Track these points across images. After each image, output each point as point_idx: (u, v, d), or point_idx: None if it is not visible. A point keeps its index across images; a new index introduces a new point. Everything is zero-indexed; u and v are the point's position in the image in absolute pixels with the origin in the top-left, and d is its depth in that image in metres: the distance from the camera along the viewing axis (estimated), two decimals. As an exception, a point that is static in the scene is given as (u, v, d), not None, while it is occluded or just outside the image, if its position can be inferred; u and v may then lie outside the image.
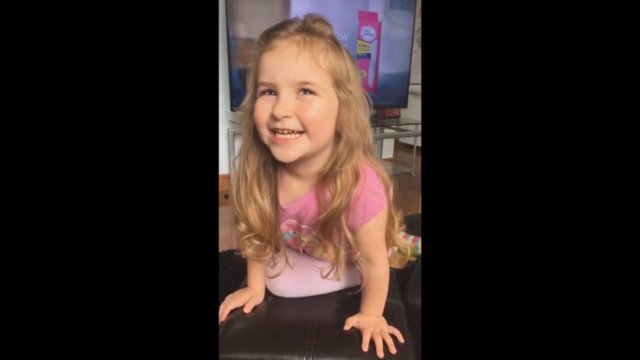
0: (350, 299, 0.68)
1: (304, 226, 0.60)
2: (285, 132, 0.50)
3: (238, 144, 2.08)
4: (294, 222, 0.61)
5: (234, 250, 1.38)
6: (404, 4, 2.05)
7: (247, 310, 0.64)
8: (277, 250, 0.63)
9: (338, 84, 0.51)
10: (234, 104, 1.82)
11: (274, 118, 0.49)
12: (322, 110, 0.49)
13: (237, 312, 0.65)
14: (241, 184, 0.57)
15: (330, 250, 0.59)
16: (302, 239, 0.63)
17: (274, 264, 0.64)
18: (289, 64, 0.48)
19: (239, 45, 1.75)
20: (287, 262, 0.63)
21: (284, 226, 0.62)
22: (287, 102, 0.48)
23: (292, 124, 0.49)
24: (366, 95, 0.56)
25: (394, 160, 2.88)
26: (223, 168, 2.11)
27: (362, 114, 0.54)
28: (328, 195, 0.54)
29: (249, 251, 0.60)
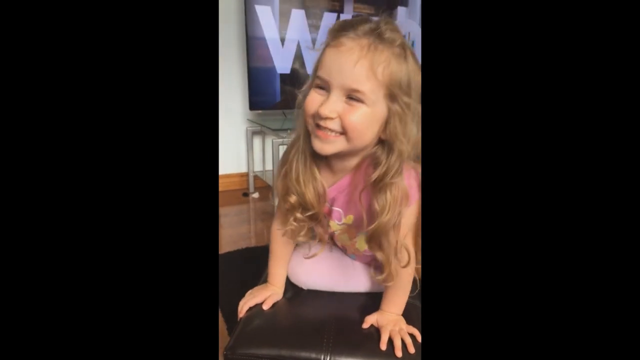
0: (370, 297, 0.67)
1: (335, 208, 0.62)
2: (327, 129, 0.52)
3: (257, 142, 2.10)
4: (327, 205, 0.63)
5: (252, 248, 1.40)
6: None
7: (266, 307, 0.65)
8: (312, 236, 0.65)
9: (392, 96, 0.51)
10: (253, 104, 1.84)
11: (318, 115, 0.51)
12: (364, 118, 0.51)
13: (256, 308, 0.65)
14: (300, 163, 0.59)
15: (358, 245, 0.62)
16: (330, 223, 0.64)
17: (309, 247, 0.67)
18: (347, 67, 0.49)
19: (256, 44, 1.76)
20: (324, 243, 0.65)
21: (326, 207, 0.63)
22: (334, 104, 0.50)
23: (334, 125, 0.51)
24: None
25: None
26: (242, 166, 2.14)
27: (415, 126, 0.53)
28: (376, 206, 0.54)
29: (293, 223, 0.61)
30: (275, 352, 0.56)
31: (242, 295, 0.68)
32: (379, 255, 0.57)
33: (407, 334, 0.58)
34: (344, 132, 0.51)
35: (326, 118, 0.50)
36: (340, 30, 0.51)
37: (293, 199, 0.60)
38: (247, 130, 2.04)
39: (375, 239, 0.56)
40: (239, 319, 0.64)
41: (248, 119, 2.05)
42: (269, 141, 2.09)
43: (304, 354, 0.56)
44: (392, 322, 0.59)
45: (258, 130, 2.03)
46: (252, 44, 1.75)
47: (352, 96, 0.50)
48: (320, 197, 0.60)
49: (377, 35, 0.50)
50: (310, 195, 0.59)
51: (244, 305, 0.65)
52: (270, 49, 1.80)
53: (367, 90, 0.49)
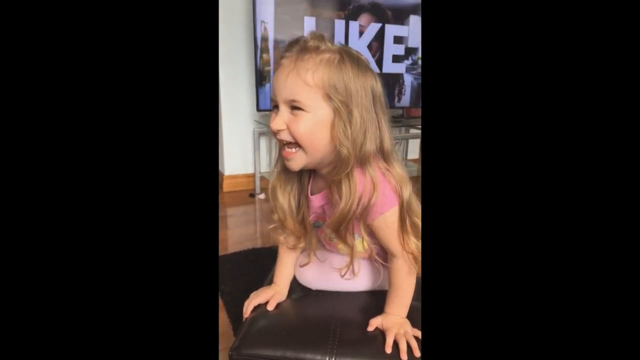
0: (374, 299, 0.67)
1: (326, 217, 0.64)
2: (285, 144, 0.56)
3: (264, 143, 2.11)
4: (321, 213, 0.65)
5: (258, 249, 1.40)
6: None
7: (270, 307, 0.65)
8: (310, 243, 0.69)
9: (329, 97, 0.53)
10: (260, 105, 1.84)
11: (273, 131, 0.56)
12: (308, 125, 0.54)
13: (261, 309, 0.66)
14: (273, 182, 0.66)
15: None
16: (326, 231, 0.66)
17: (307, 254, 0.70)
18: (282, 82, 0.54)
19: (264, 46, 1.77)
20: (314, 252, 0.68)
21: (313, 217, 0.66)
22: (281, 117, 0.55)
23: (286, 135, 0.55)
24: (382, 103, 0.57)
25: (420, 162, 2.84)
26: (248, 167, 2.14)
27: (354, 126, 0.53)
28: (337, 198, 0.58)
29: (280, 238, 0.68)
30: (280, 353, 0.56)
31: (248, 296, 0.69)
32: (342, 247, 0.62)
33: (413, 337, 0.58)
34: (298, 145, 0.55)
35: (278, 131, 0.55)
36: (282, 54, 0.56)
37: (275, 216, 0.66)
38: (254, 131, 2.05)
39: (339, 228, 0.59)
40: (244, 320, 0.65)
41: (255, 120, 2.06)
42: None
43: (308, 355, 0.56)
44: (397, 324, 0.59)
45: (265, 131, 2.03)
46: (260, 45, 1.76)
47: (293, 106, 0.54)
48: (287, 213, 0.64)
49: (302, 47, 0.54)
50: (281, 212, 0.64)
51: (248, 306, 0.66)
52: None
53: (302, 97, 0.53)
